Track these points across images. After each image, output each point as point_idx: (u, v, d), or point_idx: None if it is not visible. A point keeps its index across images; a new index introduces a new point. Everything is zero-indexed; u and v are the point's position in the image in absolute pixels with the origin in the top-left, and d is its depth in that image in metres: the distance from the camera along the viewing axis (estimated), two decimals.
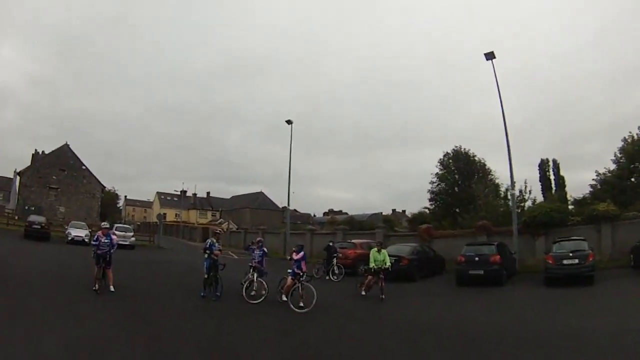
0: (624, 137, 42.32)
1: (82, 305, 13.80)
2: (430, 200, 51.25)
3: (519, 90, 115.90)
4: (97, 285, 15.61)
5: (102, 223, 17.95)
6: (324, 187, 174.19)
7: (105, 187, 76.49)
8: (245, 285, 17.01)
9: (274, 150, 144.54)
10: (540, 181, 45.48)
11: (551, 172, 47.27)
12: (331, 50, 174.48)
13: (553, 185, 47.65)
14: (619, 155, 42.48)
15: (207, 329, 12.77)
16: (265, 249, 18.52)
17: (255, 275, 17.01)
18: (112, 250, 16.27)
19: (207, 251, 17.10)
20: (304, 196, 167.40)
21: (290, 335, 12.48)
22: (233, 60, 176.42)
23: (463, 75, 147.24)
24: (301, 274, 15.96)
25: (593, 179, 43.91)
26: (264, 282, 16.87)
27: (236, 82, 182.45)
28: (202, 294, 16.65)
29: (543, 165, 47.72)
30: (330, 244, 26.86)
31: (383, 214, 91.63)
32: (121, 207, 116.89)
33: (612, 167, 42.83)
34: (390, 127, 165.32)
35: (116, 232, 36.60)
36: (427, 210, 51.87)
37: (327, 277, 24.75)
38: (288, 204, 46.83)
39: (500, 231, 30.12)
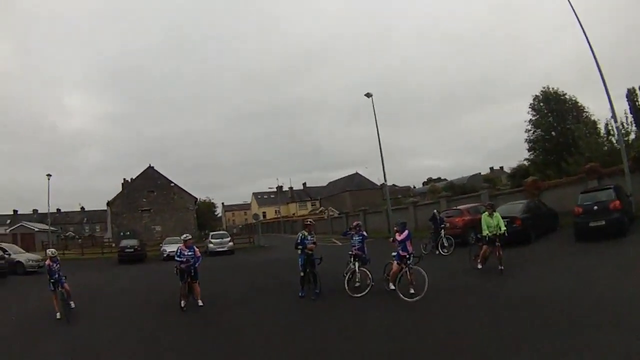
0: None
1: (166, 325, 13.35)
2: (529, 150, 47.48)
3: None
4: (183, 302, 14.92)
5: (184, 235, 16.63)
6: (418, 158, 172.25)
7: (197, 199, 77.17)
8: (347, 277, 15.50)
9: (362, 130, 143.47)
10: (630, 113, 37.99)
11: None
12: (394, 23, 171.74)
13: None
14: None
15: (306, 336, 11.29)
16: (364, 233, 16.75)
17: (357, 264, 15.49)
18: (197, 264, 15.62)
19: (299, 246, 15.60)
20: (400, 170, 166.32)
21: (402, 330, 10.77)
22: (301, 52, 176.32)
23: (533, 17, 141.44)
24: (407, 256, 14.01)
25: None
26: (367, 271, 15.26)
27: (311, 72, 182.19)
28: (300, 294, 15.39)
29: (631, 95, 40.90)
30: (435, 213, 25.14)
31: (482, 174, 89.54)
32: (219, 215, 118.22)
33: None
34: (469, 87, 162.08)
35: (212, 241, 42.31)
36: (526, 162, 48.30)
37: (437, 252, 23.29)
38: (385, 180, 44.40)
39: (611, 172, 27.41)
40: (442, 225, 24.08)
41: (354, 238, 16.26)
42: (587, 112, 44.18)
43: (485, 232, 16.51)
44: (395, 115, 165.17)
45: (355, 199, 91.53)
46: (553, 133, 44.86)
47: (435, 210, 25.89)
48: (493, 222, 16.57)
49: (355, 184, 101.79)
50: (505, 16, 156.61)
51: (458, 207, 29.59)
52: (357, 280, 15.56)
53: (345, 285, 15.16)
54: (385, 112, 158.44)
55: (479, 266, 16.86)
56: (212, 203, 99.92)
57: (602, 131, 38.80)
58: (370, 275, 15.13)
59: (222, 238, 42.74)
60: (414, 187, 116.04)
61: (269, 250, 41.65)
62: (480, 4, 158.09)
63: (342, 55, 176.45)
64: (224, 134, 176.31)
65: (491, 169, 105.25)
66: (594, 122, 40.87)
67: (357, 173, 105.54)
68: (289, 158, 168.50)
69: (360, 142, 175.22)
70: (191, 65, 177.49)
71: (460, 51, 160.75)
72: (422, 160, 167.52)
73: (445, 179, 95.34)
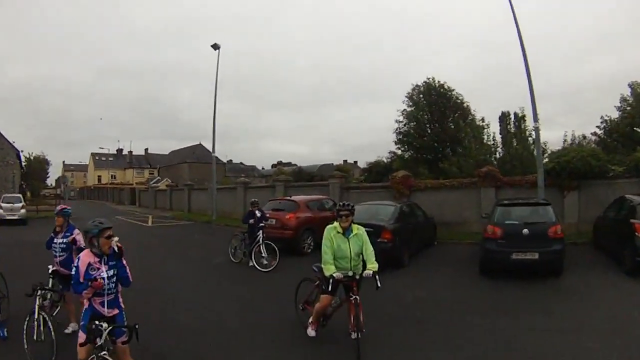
0: (630, 83, 36.82)
1: None
2: (397, 143, 40.45)
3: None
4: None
5: None
6: (275, 142, 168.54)
7: (21, 151, 63.13)
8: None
9: (225, 107, 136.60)
10: (500, 134, 35.77)
11: (512, 126, 37.17)
12: (284, 7, 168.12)
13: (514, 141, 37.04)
14: (629, 100, 36.77)
15: None
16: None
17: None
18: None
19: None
20: (254, 150, 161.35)
21: None
22: (186, 20, 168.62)
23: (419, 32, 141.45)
24: None
25: (597, 127, 37.61)
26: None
27: (188, 40, 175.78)
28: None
29: (504, 118, 37.06)
30: (253, 202, 15.73)
31: (334, 164, 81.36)
32: (49, 174, 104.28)
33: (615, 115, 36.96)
34: (344, 83, 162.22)
35: (3, 205, 32.84)
36: (387, 158, 41.71)
37: (251, 263, 14.59)
38: (213, 151, 35.08)
39: (514, 182, 21.44)
40: (262, 224, 15.04)
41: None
42: (473, 114, 38.89)
43: (332, 269, 7.18)
44: (262, 96, 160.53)
45: (194, 171, 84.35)
46: (428, 130, 38.72)
47: (253, 199, 16.19)
48: (350, 247, 7.36)
49: (196, 156, 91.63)
50: (396, 25, 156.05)
51: (292, 198, 20.34)
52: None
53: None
54: (253, 92, 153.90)
55: (312, 332, 7.94)
56: (45, 159, 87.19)
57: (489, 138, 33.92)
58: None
59: (12, 203, 33.33)
60: (263, 168, 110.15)
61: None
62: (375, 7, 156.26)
63: (223, 31, 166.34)
64: (95, 86, 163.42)
65: (345, 161, 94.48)
66: (482, 128, 35.30)
67: (200, 144, 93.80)
68: (149, 125, 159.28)
69: (223, 117, 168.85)
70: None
71: (344, 51, 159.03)
72: (279, 144, 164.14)
73: (295, 164, 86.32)
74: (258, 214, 15.20)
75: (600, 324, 8.31)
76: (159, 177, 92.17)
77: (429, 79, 39.65)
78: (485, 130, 33.61)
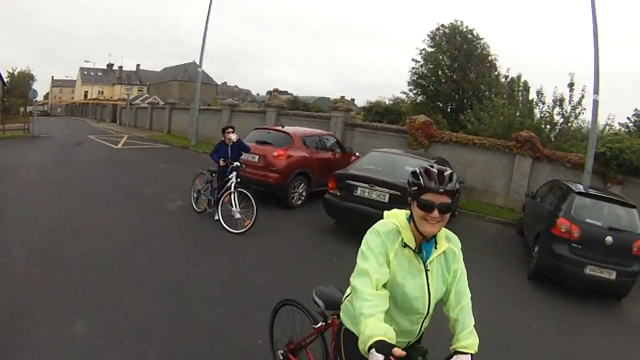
0: None
1: None
2: (410, 84, 37.15)
3: None
4: None
5: None
6: (274, 69, 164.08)
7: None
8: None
9: (229, 27, 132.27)
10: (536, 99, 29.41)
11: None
12: None
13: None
14: None
15: None
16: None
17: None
18: None
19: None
20: (252, 76, 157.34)
21: None
22: None
23: None
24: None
25: (628, 118, 31.45)
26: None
27: None
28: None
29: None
30: (226, 132, 10.81)
31: (331, 98, 77.28)
32: (34, 90, 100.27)
33: None
34: (355, 18, 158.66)
35: None
36: (393, 100, 37.59)
37: (216, 217, 10.46)
38: (200, 67, 30.43)
39: (555, 158, 17.41)
40: (237, 163, 10.39)
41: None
42: (498, 68, 35.55)
43: (376, 331, 2.25)
44: (270, 16, 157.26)
45: (184, 90, 79.10)
46: (449, 76, 35.30)
47: (227, 125, 11.36)
48: (430, 284, 2.74)
49: (188, 74, 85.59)
50: None
51: (286, 129, 14.36)
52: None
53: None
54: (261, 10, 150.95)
55: None
56: (30, 74, 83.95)
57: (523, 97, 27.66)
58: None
59: None
60: (257, 94, 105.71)
61: (37, 147, 27.56)
62: None
63: None
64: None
65: (342, 97, 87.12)
66: (508, 87, 30.12)
67: (194, 62, 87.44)
68: (151, 43, 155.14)
69: (219, 38, 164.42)
70: None
71: None
72: (278, 70, 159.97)
73: (291, 94, 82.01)
74: (233, 142, 10.70)
75: None
76: (147, 95, 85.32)
77: (456, 20, 36.07)
78: (520, 91, 28.11)
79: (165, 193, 13.35)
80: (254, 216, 9.79)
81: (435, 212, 2.57)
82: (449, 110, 34.71)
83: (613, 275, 8.58)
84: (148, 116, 43.88)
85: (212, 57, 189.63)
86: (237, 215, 10.09)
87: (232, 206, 10.21)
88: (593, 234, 8.87)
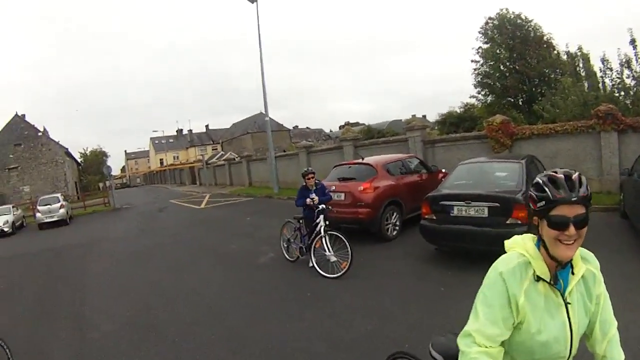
0: None
1: None
2: (477, 86, 36.22)
3: None
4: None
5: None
6: (337, 101, 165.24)
7: (67, 149, 63.07)
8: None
9: (278, 72, 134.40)
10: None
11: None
12: None
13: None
14: None
15: None
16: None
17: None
18: None
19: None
20: (318, 112, 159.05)
21: None
22: None
23: None
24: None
25: None
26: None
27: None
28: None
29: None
30: (307, 177, 10.15)
31: (403, 120, 76.77)
32: (109, 165, 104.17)
33: None
34: (395, 32, 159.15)
35: (40, 208, 30.14)
36: (463, 107, 38.33)
37: (310, 264, 9.75)
38: (266, 111, 30.85)
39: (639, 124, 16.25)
40: (322, 206, 9.81)
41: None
42: (556, 47, 34.25)
43: None
44: (313, 54, 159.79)
45: (258, 141, 79.79)
46: (512, 68, 34.40)
47: (306, 169, 10.40)
48: (571, 319, 2.22)
49: (258, 125, 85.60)
50: None
51: (366, 160, 13.76)
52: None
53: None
54: (304, 51, 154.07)
55: None
56: (102, 151, 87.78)
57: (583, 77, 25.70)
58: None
59: (50, 204, 29.83)
60: (331, 131, 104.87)
61: (118, 216, 29.73)
62: None
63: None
64: (135, 73, 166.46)
65: (413, 115, 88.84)
66: (570, 64, 27.82)
67: (261, 113, 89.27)
68: (204, 101, 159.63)
69: (276, 82, 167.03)
70: None
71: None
72: (341, 103, 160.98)
73: (363, 124, 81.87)
74: (315, 185, 10.19)
75: None
76: (222, 152, 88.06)
77: (502, 9, 35.40)
78: (581, 65, 26.19)
79: (255, 247, 13.03)
80: (350, 257, 9.20)
81: (572, 229, 2.02)
82: (520, 103, 33.77)
83: None
84: (227, 172, 44.73)
85: (276, 102, 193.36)
86: (333, 259, 9.43)
87: (325, 251, 9.52)
88: None
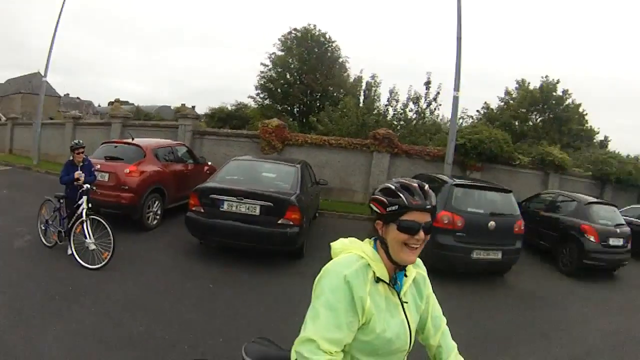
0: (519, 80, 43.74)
1: None
2: (258, 88, 37.87)
3: None
4: None
5: None
6: (115, 78, 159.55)
7: None
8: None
9: (74, 37, 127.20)
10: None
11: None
12: None
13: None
14: (513, 94, 43.71)
15: None
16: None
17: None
18: None
19: None
20: (93, 85, 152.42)
21: None
22: None
23: None
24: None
25: (478, 110, 44.04)
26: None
27: None
28: None
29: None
30: (76, 150, 9.20)
31: (172, 107, 75.82)
32: None
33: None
34: (192, 25, 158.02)
35: None
36: (236, 105, 37.85)
37: (69, 251, 8.68)
38: (45, 74, 27.75)
39: (414, 152, 19.55)
40: (86, 186, 8.82)
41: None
42: (348, 69, 38.28)
43: None
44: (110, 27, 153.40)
45: (28, 104, 72.48)
46: (291, 77, 37.03)
47: (75, 142, 9.53)
48: (409, 318, 2.42)
49: (32, 85, 77.83)
50: None
51: (136, 141, 12.98)
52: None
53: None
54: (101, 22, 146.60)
55: None
56: None
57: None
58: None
59: None
60: (99, 105, 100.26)
61: None
62: None
63: None
64: None
65: (183, 104, 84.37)
66: (356, 87, 31.92)
67: (38, 72, 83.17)
68: None
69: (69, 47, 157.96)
70: None
71: None
72: (118, 80, 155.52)
73: (133, 104, 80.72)
74: (82, 163, 9.25)
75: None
76: None
77: (309, 24, 37.46)
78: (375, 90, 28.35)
79: (10, 227, 10.74)
80: (112, 246, 8.41)
81: (421, 233, 2.22)
82: (296, 112, 35.75)
83: (499, 255, 9.88)
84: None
85: (56, 67, 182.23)
86: (92, 247, 8.46)
87: (85, 237, 8.48)
88: (476, 221, 9.81)
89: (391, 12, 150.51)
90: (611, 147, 38.64)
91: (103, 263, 8.34)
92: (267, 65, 36.84)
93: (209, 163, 15.57)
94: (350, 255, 2.28)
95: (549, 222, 13.27)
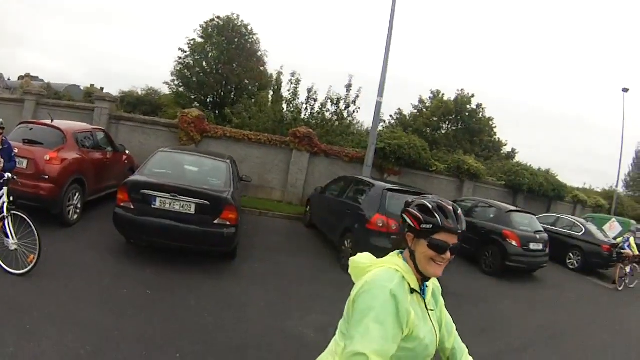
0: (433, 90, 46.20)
1: None
2: (174, 74, 36.08)
3: None
4: None
5: None
6: (31, 50, 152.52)
7: None
8: None
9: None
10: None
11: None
12: None
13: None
14: (426, 103, 45.89)
15: None
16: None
17: None
18: None
19: None
20: (4, 58, 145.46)
21: None
22: None
23: None
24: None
25: (391, 115, 46.57)
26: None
27: None
28: None
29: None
30: None
31: (82, 87, 70.61)
32: None
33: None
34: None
35: None
36: (146, 90, 38.71)
37: None
38: None
39: (333, 152, 20.15)
40: (6, 176, 7.32)
41: None
42: (266, 64, 37.61)
43: None
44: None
45: None
46: (207, 67, 35.59)
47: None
48: (435, 325, 2.64)
49: None
50: None
51: (56, 123, 11.27)
52: None
53: None
54: None
55: None
56: None
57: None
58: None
59: None
60: (9, 79, 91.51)
61: None
62: None
63: None
64: None
65: (92, 85, 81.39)
66: (275, 82, 29.15)
67: None
68: None
69: None
70: None
71: None
72: (34, 53, 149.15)
73: (43, 80, 74.97)
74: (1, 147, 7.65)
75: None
76: None
77: (233, 14, 36.37)
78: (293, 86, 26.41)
79: None
80: (38, 248, 7.18)
81: (448, 254, 2.38)
82: (209, 103, 34.92)
83: None
84: None
85: None
86: (14, 247, 7.16)
87: (7, 236, 7.17)
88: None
89: (319, 16, 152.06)
90: (518, 159, 41.06)
91: (29, 268, 7.13)
92: (186, 52, 35.64)
93: (127, 152, 14.73)
94: (387, 269, 2.40)
95: (469, 226, 13.95)
